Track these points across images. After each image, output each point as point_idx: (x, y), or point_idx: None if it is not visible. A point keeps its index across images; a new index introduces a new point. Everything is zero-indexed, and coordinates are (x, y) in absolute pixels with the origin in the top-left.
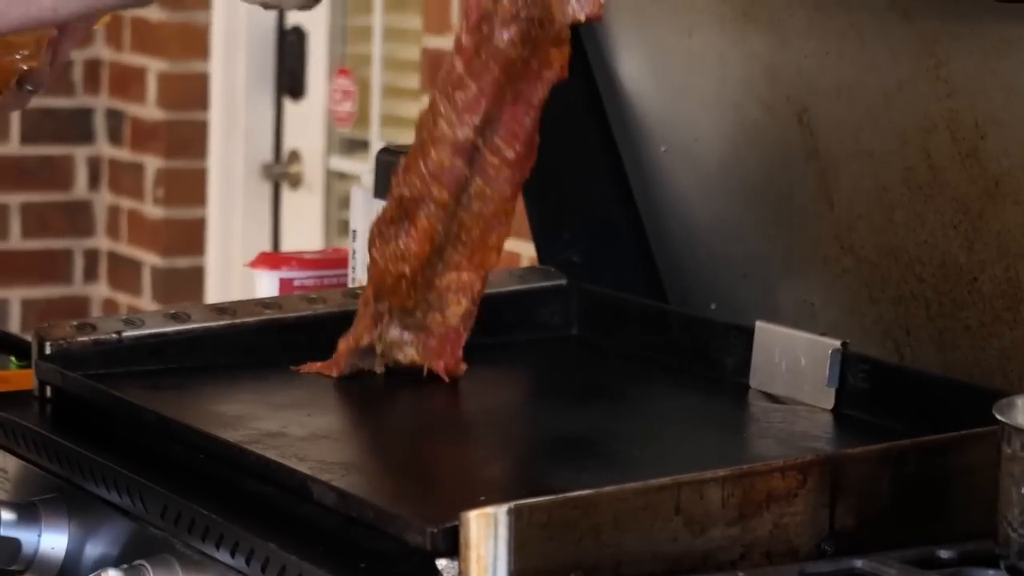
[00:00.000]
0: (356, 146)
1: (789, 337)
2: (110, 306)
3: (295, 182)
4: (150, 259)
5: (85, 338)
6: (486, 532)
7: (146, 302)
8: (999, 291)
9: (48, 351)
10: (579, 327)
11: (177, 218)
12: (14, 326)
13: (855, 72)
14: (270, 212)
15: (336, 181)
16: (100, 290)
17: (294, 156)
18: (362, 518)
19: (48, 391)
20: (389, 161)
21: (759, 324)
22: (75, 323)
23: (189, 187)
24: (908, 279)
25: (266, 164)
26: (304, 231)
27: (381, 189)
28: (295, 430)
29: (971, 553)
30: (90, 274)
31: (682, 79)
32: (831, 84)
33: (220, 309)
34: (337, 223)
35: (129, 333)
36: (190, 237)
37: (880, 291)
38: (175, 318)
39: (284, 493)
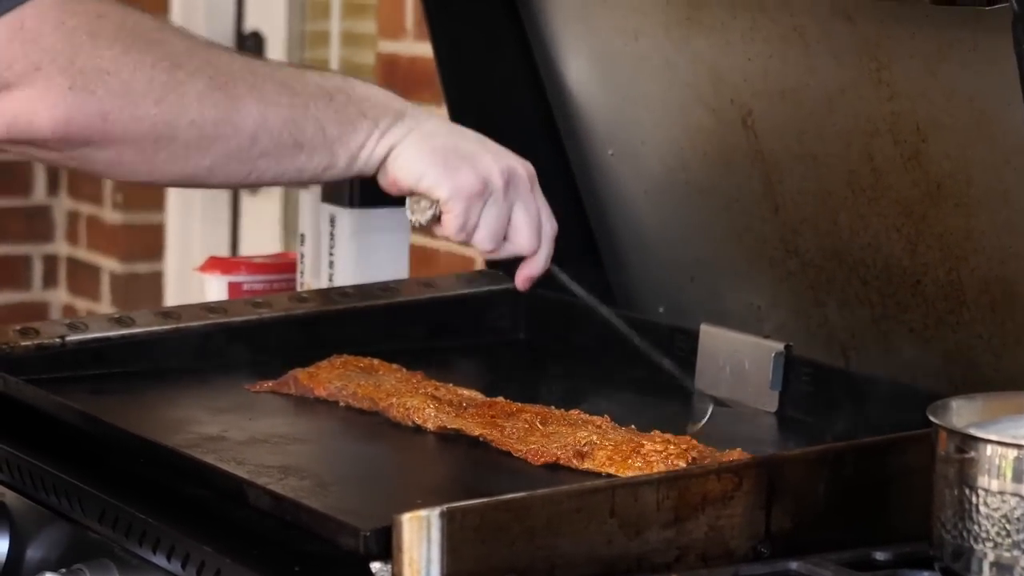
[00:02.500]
0: None
1: (733, 340)
2: (69, 312)
3: (253, 187)
4: (109, 264)
5: (28, 342)
6: (419, 535)
7: (105, 307)
8: (942, 294)
9: None
10: (527, 331)
11: (136, 223)
12: None
13: (798, 75)
14: (229, 217)
15: (295, 187)
16: (59, 296)
17: None
18: (296, 521)
19: None
20: None
21: (704, 327)
22: (18, 327)
23: (148, 192)
24: (853, 282)
25: None
26: (262, 237)
27: (329, 193)
28: (235, 434)
29: (907, 555)
30: (49, 280)
31: (628, 83)
32: (775, 87)
33: (164, 313)
34: (296, 229)
35: (72, 337)
36: (149, 242)
37: (825, 294)
38: (119, 322)
39: (222, 497)
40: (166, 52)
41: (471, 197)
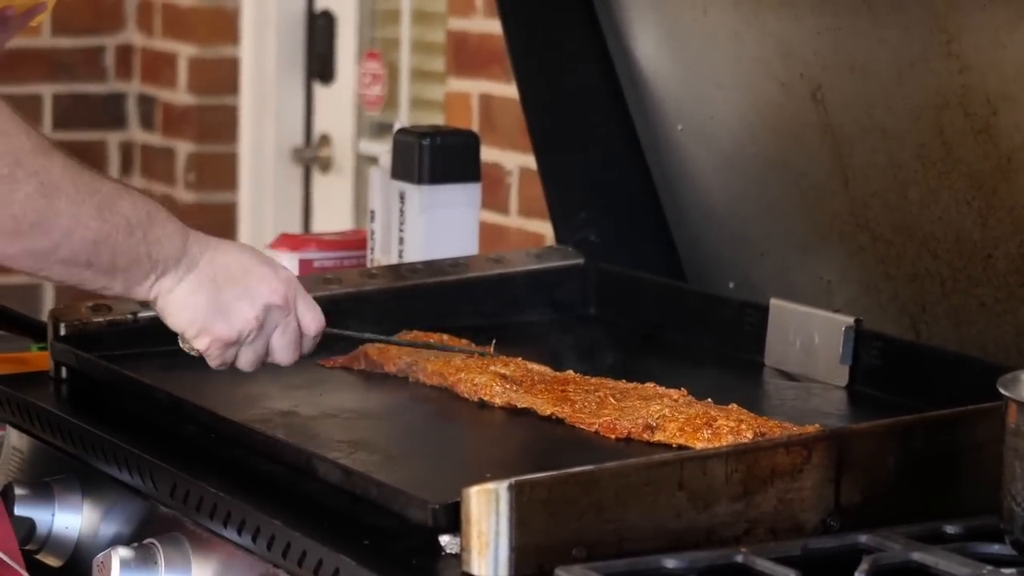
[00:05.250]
0: (385, 129)
1: (803, 315)
2: None
3: (325, 166)
4: None
5: (100, 319)
6: (487, 508)
7: None
8: (1013, 267)
9: (63, 332)
10: (597, 306)
11: (209, 202)
12: (48, 310)
13: (868, 48)
14: (301, 196)
15: (366, 164)
16: None
17: (324, 140)
18: (366, 495)
19: (63, 372)
20: (406, 141)
21: (773, 301)
22: (90, 304)
23: (220, 172)
24: (923, 256)
25: (296, 148)
26: (334, 214)
27: (398, 170)
28: (306, 409)
29: (977, 528)
30: None
31: (697, 58)
32: (844, 61)
33: None
34: (368, 206)
35: (145, 314)
36: (221, 221)
37: (895, 268)
38: None
39: (292, 471)
40: (12, 148)
41: (226, 345)
